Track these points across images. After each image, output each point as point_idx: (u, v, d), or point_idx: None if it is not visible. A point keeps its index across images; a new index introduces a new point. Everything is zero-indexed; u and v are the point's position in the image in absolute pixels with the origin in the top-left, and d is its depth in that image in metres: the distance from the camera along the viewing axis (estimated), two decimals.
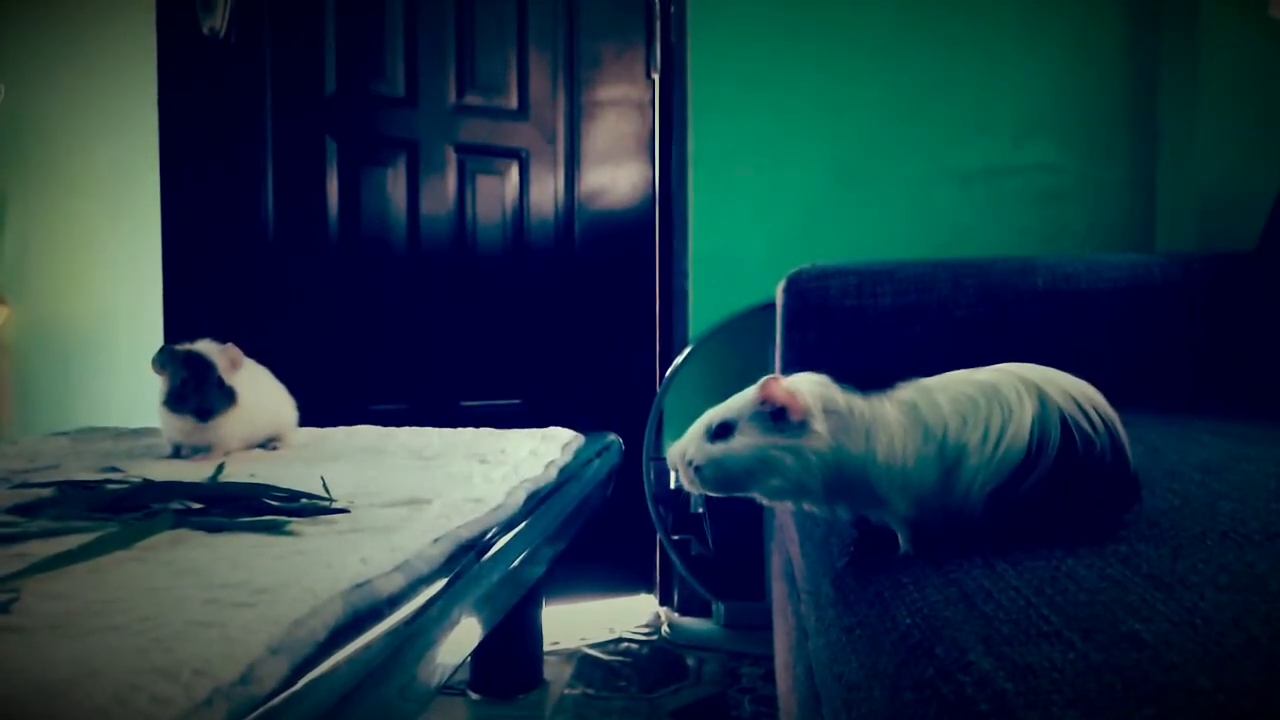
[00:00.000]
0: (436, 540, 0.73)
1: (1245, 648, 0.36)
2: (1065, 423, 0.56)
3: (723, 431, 0.63)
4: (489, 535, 0.82)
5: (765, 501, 0.65)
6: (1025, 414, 0.56)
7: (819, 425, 0.59)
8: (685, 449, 0.65)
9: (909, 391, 0.60)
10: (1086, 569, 0.48)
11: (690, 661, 1.72)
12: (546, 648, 1.60)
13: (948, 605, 0.47)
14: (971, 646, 0.40)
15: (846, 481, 0.60)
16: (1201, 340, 1.29)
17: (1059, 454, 0.55)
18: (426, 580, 0.68)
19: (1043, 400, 0.57)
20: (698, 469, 0.63)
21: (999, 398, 0.57)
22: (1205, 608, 0.40)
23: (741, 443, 0.62)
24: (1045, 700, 0.34)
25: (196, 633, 0.49)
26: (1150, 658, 0.35)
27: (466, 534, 0.78)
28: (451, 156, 2.04)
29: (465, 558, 0.76)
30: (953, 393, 0.59)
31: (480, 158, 2.07)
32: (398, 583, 0.64)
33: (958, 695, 0.37)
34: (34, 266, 2.08)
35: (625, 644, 1.81)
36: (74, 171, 2.05)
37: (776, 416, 0.60)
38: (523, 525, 0.91)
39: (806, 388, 0.61)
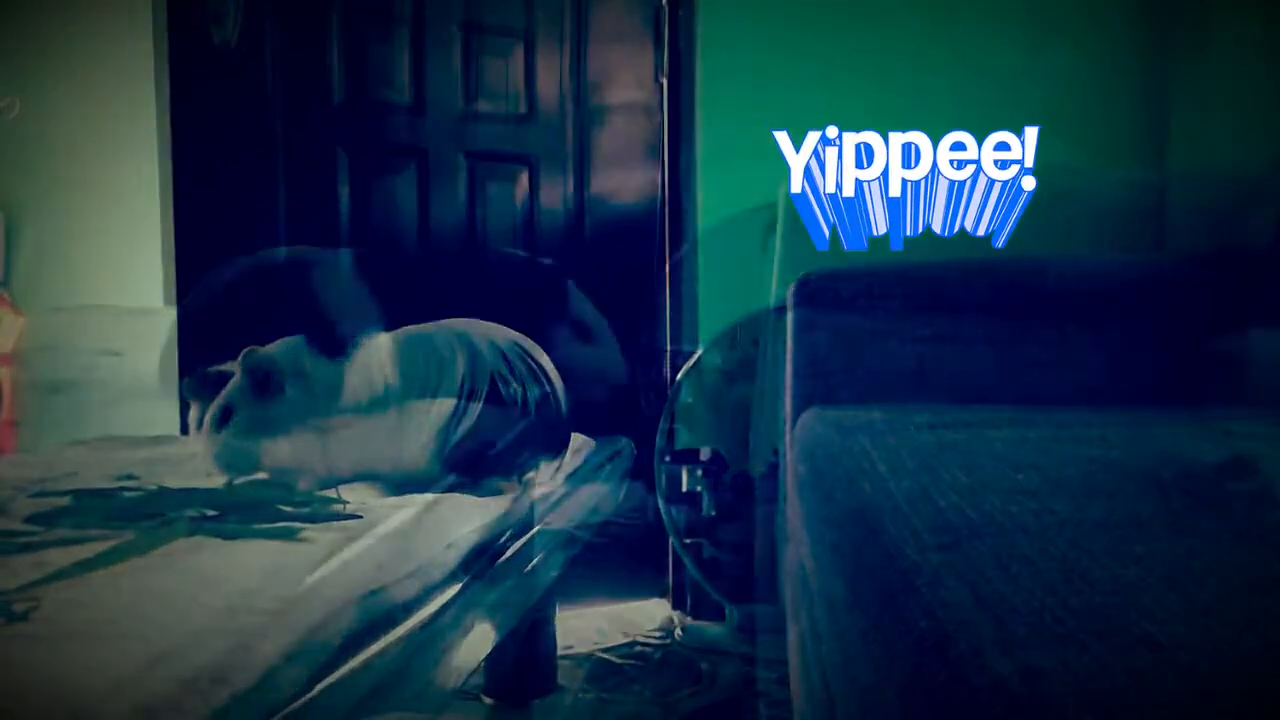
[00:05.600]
0: (449, 545, 0.73)
1: (1261, 650, 0.35)
2: (493, 375, 0.62)
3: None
4: (502, 540, 0.83)
5: None
6: (457, 370, 0.63)
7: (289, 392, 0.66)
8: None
9: (365, 352, 0.67)
10: (1100, 570, 0.48)
11: (704, 666, 1.71)
12: (560, 652, 1.60)
13: (961, 608, 0.47)
14: (985, 649, 0.40)
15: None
16: (1215, 339, 1.28)
17: (486, 401, 0.63)
18: (440, 586, 0.68)
19: (474, 355, 0.63)
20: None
21: (436, 357, 0.64)
22: (1220, 609, 0.40)
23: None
24: (1059, 703, 0.34)
25: (214, 640, 0.49)
26: (1165, 659, 0.35)
27: (479, 539, 0.78)
28: (461, 163, 2.04)
29: (478, 563, 0.76)
30: (399, 354, 0.66)
31: (490, 164, 2.07)
32: (412, 589, 0.64)
33: (971, 699, 0.37)
34: (48, 277, 2.09)
35: (639, 648, 1.81)
36: (87, 183, 2.06)
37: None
38: (535, 530, 0.91)
39: (279, 351, 0.68)
